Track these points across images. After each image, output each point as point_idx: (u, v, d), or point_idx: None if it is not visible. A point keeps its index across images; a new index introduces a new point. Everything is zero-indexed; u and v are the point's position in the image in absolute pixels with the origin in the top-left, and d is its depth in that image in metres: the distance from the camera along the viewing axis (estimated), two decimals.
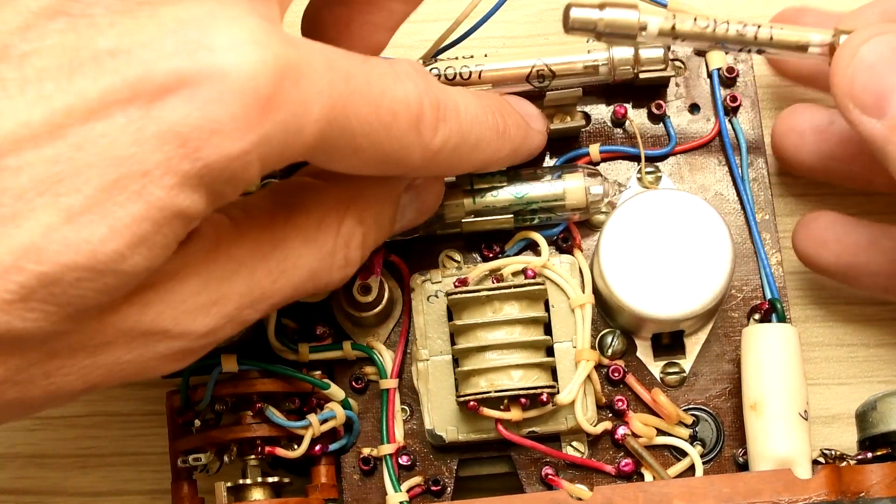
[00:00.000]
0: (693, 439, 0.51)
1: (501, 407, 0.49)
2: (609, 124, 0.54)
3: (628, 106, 0.53)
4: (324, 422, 0.50)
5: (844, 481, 0.48)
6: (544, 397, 0.49)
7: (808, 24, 0.52)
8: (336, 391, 0.51)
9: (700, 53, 0.54)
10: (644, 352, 0.52)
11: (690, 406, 0.52)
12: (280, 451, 0.50)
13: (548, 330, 0.51)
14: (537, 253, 0.52)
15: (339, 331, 0.52)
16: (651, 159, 0.53)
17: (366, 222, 0.45)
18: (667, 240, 0.49)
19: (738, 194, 0.53)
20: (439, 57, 0.52)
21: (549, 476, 0.51)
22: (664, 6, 0.52)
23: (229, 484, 0.50)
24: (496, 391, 0.49)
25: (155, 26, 0.36)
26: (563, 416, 0.50)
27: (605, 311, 0.52)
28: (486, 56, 0.52)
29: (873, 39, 0.46)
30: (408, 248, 0.52)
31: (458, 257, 0.53)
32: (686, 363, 0.52)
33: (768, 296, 0.52)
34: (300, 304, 0.52)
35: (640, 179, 0.53)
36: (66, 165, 0.35)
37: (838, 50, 0.46)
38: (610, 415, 0.51)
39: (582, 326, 0.50)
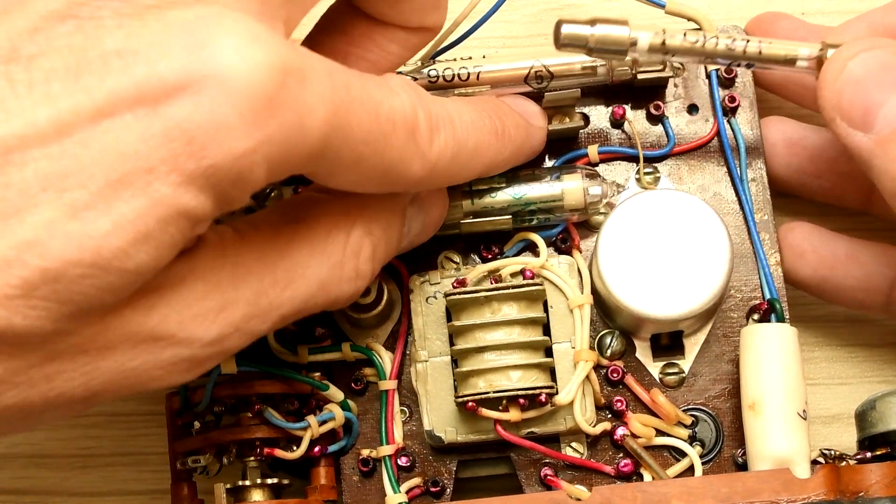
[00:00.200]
0: (692, 440, 0.51)
1: (500, 408, 0.49)
2: (608, 125, 0.54)
3: (627, 107, 0.54)
4: (323, 423, 0.50)
5: (843, 481, 0.48)
6: (543, 398, 0.49)
7: (783, 29, 0.53)
8: (335, 392, 0.51)
9: None
10: (643, 352, 0.52)
11: (689, 406, 0.52)
12: (279, 453, 0.50)
13: (546, 331, 0.51)
14: (536, 254, 0.52)
15: (338, 332, 0.52)
16: (650, 160, 0.53)
17: (375, 234, 0.45)
18: (665, 240, 0.49)
19: (737, 195, 0.53)
20: (437, 59, 0.52)
21: (549, 477, 0.51)
22: (662, 7, 0.53)
23: (228, 485, 0.50)
24: (494, 392, 0.49)
25: (162, 28, 0.36)
26: (562, 417, 0.50)
27: (604, 311, 0.52)
28: (484, 57, 0.52)
29: (861, 54, 0.46)
30: (407, 250, 0.52)
31: (457, 259, 0.53)
32: (685, 364, 0.52)
33: (767, 296, 0.52)
34: None
35: (638, 180, 0.53)
36: (70, 161, 0.35)
37: (826, 64, 0.47)
38: (609, 415, 0.51)
39: (581, 327, 0.50)
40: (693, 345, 0.52)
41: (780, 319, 0.51)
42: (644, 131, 0.54)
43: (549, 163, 0.53)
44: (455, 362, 0.51)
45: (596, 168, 0.53)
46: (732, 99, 0.53)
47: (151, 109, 0.35)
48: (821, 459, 0.49)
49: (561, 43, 0.48)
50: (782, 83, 0.54)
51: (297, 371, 0.51)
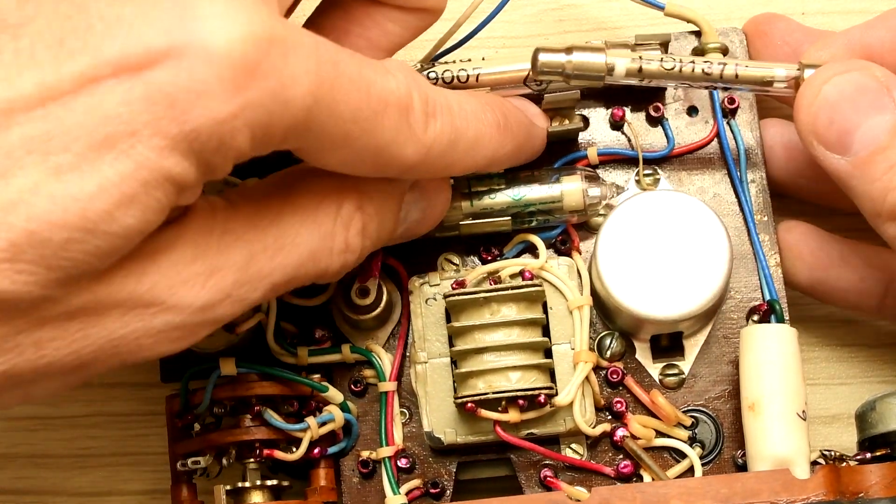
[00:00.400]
0: (692, 441, 0.51)
1: (499, 409, 0.49)
2: (607, 127, 0.54)
3: (626, 109, 0.54)
4: (322, 424, 0.50)
5: (843, 481, 0.47)
6: (542, 398, 0.49)
7: (779, 30, 0.53)
8: (335, 394, 0.51)
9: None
10: (643, 354, 0.52)
11: (689, 408, 0.52)
12: (278, 454, 0.50)
13: (546, 332, 0.51)
14: (535, 255, 0.52)
15: (338, 334, 0.53)
16: (649, 162, 0.53)
17: (366, 210, 0.44)
18: (664, 241, 0.49)
19: (737, 196, 0.53)
20: (438, 61, 0.52)
21: (549, 478, 0.51)
22: (661, 9, 0.53)
23: (228, 487, 0.50)
24: (494, 392, 0.49)
25: None
26: (562, 418, 0.50)
27: (604, 312, 0.52)
28: (483, 59, 0.52)
29: (835, 78, 0.47)
30: (406, 251, 0.52)
31: (456, 260, 0.53)
32: (685, 365, 0.52)
33: (767, 297, 0.52)
34: (299, 307, 0.52)
35: (638, 182, 0.53)
36: (55, 125, 0.36)
37: (801, 88, 0.47)
38: (609, 417, 0.51)
39: (580, 328, 0.50)
40: (693, 346, 0.52)
41: (780, 320, 0.51)
42: (644, 133, 0.54)
43: (549, 165, 0.53)
44: (454, 363, 0.51)
45: (595, 170, 0.53)
46: (732, 101, 0.53)
47: (135, 74, 0.36)
48: (821, 460, 0.49)
49: (538, 70, 0.48)
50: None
51: (296, 373, 0.51)
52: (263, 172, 0.46)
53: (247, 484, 0.50)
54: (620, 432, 0.51)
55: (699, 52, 0.53)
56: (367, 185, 0.44)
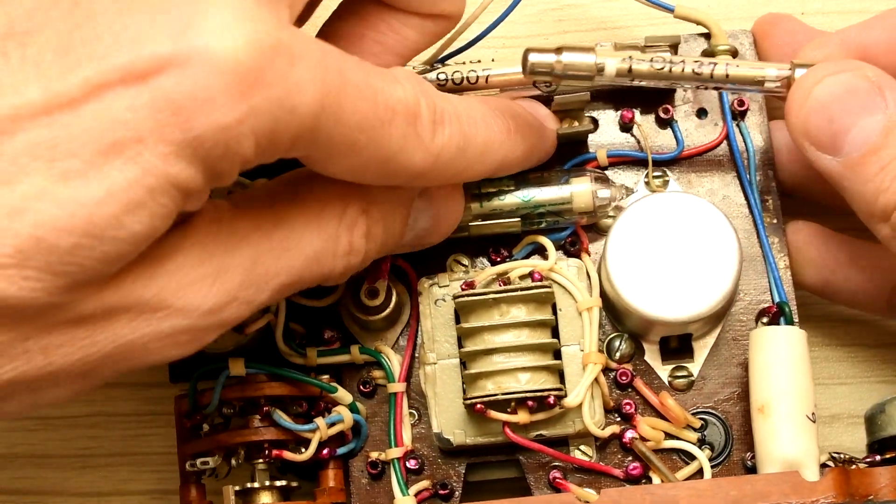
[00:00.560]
0: (701, 443, 0.51)
1: (508, 410, 0.49)
2: (616, 129, 0.54)
3: (636, 111, 0.54)
4: (331, 425, 0.50)
5: (853, 484, 0.47)
6: (551, 400, 0.49)
7: (784, 31, 0.53)
8: (344, 395, 0.51)
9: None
10: (652, 355, 0.52)
11: (698, 410, 0.52)
12: (287, 455, 0.50)
13: (555, 333, 0.51)
14: (545, 257, 0.52)
15: (347, 335, 0.53)
16: (658, 164, 0.53)
17: (372, 215, 0.45)
18: (674, 242, 0.49)
19: (746, 198, 0.53)
20: (446, 62, 0.52)
21: (557, 480, 0.51)
22: (671, 11, 0.53)
23: (237, 488, 0.50)
24: (503, 394, 0.49)
25: (153, 7, 0.37)
26: (571, 420, 0.50)
27: (613, 314, 0.52)
28: (493, 61, 0.52)
29: (826, 79, 0.46)
30: (415, 253, 0.52)
31: (465, 261, 0.53)
32: (694, 367, 0.52)
33: (776, 299, 0.52)
34: (308, 307, 0.52)
35: (647, 184, 0.53)
36: (61, 131, 0.36)
37: (792, 90, 0.47)
38: (618, 418, 0.51)
39: (589, 330, 0.50)
40: (702, 348, 0.52)
41: (790, 322, 0.51)
42: (653, 135, 0.54)
43: (557, 166, 0.53)
44: (463, 364, 0.51)
45: (605, 171, 0.53)
46: (741, 103, 0.53)
47: (141, 82, 0.36)
48: (830, 462, 0.49)
49: (528, 71, 0.48)
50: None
51: (305, 373, 0.51)
52: (273, 174, 0.46)
53: (256, 484, 0.50)
54: (629, 434, 0.51)
55: (709, 53, 0.53)
56: (373, 190, 0.44)
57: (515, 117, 0.48)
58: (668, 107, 0.53)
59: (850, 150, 0.46)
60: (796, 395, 0.48)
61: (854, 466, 0.48)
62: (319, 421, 0.50)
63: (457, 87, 0.51)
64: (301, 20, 0.45)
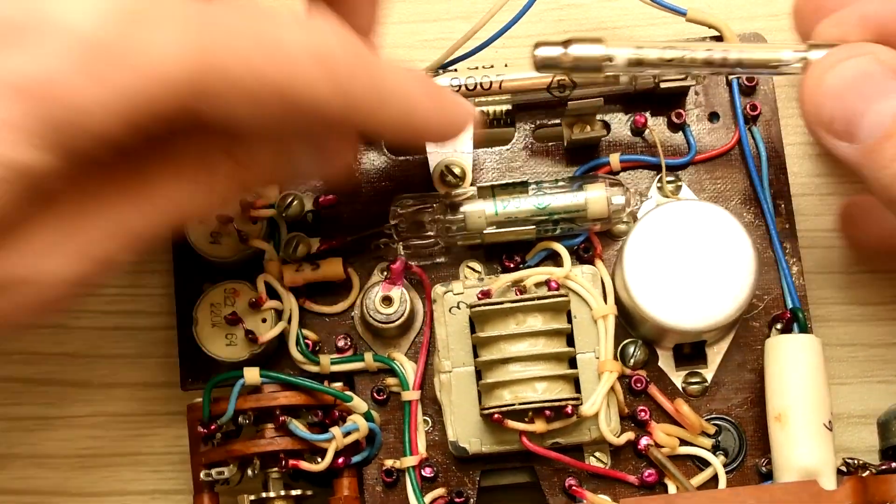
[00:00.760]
0: (715, 449, 0.51)
1: (526, 419, 0.49)
2: (629, 133, 0.54)
3: (648, 115, 0.53)
4: (347, 434, 0.50)
5: (870, 491, 0.48)
6: (569, 409, 0.49)
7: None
8: (359, 403, 0.51)
9: None
10: (666, 362, 0.52)
11: (712, 416, 0.52)
12: (304, 465, 0.50)
13: (570, 341, 0.51)
14: (557, 263, 0.52)
15: (360, 342, 0.52)
16: (671, 168, 0.53)
17: (239, 158, 0.42)
18: (691, 251, 0.49)
19: (759, 203, 0.53)
20: (453, 65, 0.52)
21: (573, 487, 0.51)
22: (682, 14, 0.53)
23: (253, 497, 0.50)
24: (521, 404, 0.49)
25: None
26: (587, 427, 0.50)
27: (627, 321, 0.52)
28: (506, 66, 0.51)
29: (839, 66, 0.45)
30: (428, 260, 0.52)
31: (478, 268, 0.53)
32: (708, 373, 0.52)
33: (790, 305, 0.52)
34: (320, 315, 0.52)
35: (660, 189, 0.53)
36: None
37: (805, 78, 0.46)
38: (632, 425, 0.51)
39: (605, 337, 0.50)
40: (716, 354, 0.52)
41: (803, 328, 0.51)
42: (665, 139, 0.53)
43: (570, 171, 0.53)
44: (479, 373, 0.51)
45: (618, 176, 0.53)
46: (754, 107, 0.53)
47: None
48: (843, 468, 0.49)
49: (537, 65, 0.48)
50: None
51: (318, 381, 0.51)
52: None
53: (271, 494, 0.50)
54: (644, 441, 0.51)
55: None
56: (242, 135, 0.42)
57: (425, 81, 0.47)
58: (681, 111, 0.53)
59: (865, 136, 0.44)
60: (813, 404, 0.49)
61: (867, 472, 0.49)
62: (335, 430, 0.50)
63: (470, 93, 0.51)
64: None
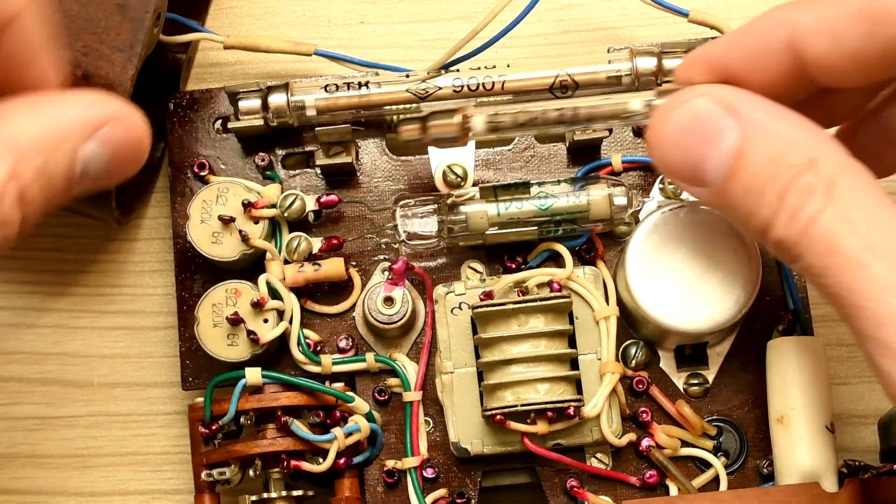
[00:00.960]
0: (717, 450, 0.51)
1: (528, 420, 0.49)
2: (631, 134, 0.54)
3: None
4: (349, 435, 0.50)
5: (871, 494, 0.48)
6: (571, 411, 0.49)
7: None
8: (360, 404, 0.51)
9: None
10: (667, 363, 0.52)
11: (714, 417, 0.52)
12: (306, 466, 0.50)
13: (572, 342, 0.51)
14: (559, 264, 0.52)
15: (362, 343, 0.52)
16: None
17: (24, 176, 0.40)
18: (692, 251, 0.49)
19: None
20: (454, 66, 0.52)
21: (575, 488, 0.51)
22: (685, 15, 0.53)
23: (254, 498, 0.50)
24: (523, 405, 0.49)
25: None
26: (589, 429, 0.50)
27: (629, 322, 0.52)
28: (508, 66, 0.51)
29: (674, 112, 0.44)
30: (430, 260, 0.52)
31: (480, 268, 0.53)
32: (709, 374, 0.52)
33: (791, 306, 0.52)
34: (321, 315, 0.52)
35: (662, 189, 0.53)
36: None
37: (649, 128, 0.45)
38: (634, 426, 0.51)
39: (607, 339, 0.50)
40: (717, 355, 0.52)
41: (805, 330, 0.51)
42: None
43: (572, 172, 0.53)
44: (481, 374, 0.51)
45: (619, 177, 0.53)
46: None
47: None
48: (844, 470, 0.49)
49: (406, 143, 0.49)
50: None
51: (319, 381, 0.51)
52: None
53: (273, 494, 0.50)
54: (646, 442, 0.51)
55: None
56: (25, 147, 0.40)
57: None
58: None
59: (712, 179, 0.43)
60: (815, 407, 0.49)
61: (868, 474, 0.49)
62: (337, 431, 0.50)
63: (472, 94, 0.51)
64: None
